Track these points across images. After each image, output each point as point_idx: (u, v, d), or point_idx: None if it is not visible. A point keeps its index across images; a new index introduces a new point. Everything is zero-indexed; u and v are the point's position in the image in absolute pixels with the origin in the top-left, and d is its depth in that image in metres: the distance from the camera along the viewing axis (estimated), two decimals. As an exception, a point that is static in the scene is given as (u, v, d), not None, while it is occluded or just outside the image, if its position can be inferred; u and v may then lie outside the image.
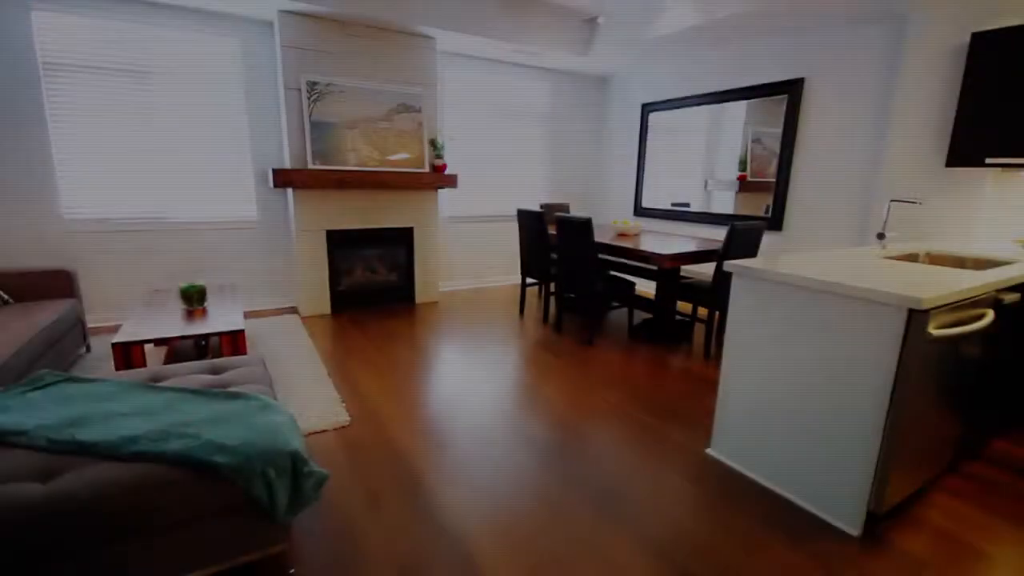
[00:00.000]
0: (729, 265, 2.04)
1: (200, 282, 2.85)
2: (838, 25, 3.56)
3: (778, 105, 4.11)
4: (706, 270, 4.58)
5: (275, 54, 3.99)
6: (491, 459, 2.19)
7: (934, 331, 1.57)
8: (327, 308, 4.32)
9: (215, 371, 1.98)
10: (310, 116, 3.85)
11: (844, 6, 3.23)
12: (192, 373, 1.94)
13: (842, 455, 1.76)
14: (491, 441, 2.34)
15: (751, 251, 3.33)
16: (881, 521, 1.82)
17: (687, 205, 5.14)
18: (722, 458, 2.19)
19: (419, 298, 4.74)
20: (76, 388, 1.72)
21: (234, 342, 2.52)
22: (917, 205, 3.00)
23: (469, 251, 5.37)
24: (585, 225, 3.39)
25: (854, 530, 1.76)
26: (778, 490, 1.98)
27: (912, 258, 2.60)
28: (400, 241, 4.56)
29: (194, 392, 1.72)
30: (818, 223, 3.84)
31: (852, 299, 1.66)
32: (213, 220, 4.05)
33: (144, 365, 2.36)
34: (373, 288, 4.56)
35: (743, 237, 3.18)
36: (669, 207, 5.27)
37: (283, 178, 3.73)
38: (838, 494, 1.79)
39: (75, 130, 3.52)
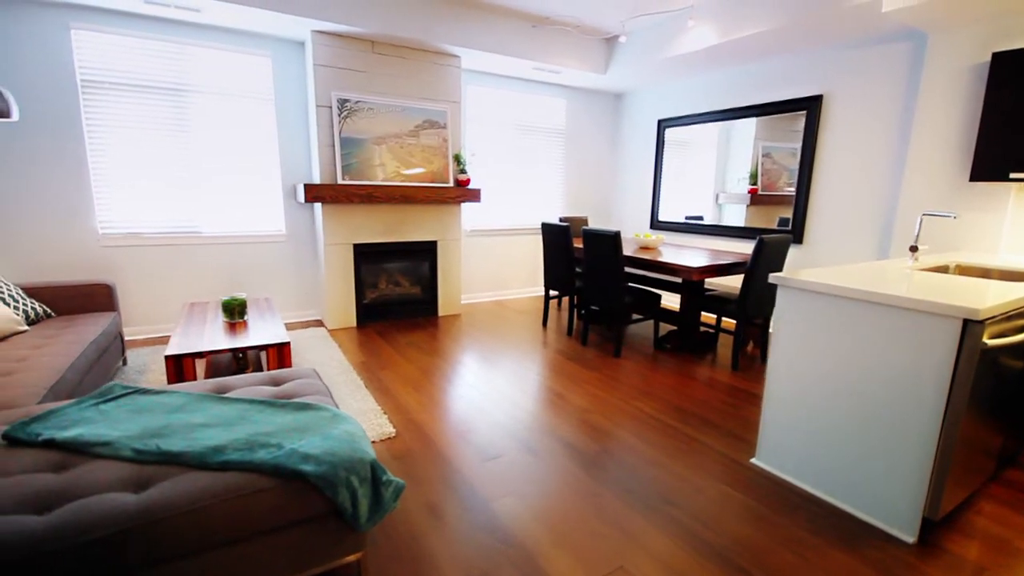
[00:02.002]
0: (775, 277, 2.09)
1: (241, 295, 2.89)
2: (857, 44, 3.66)
3: (790, 121, 4.22)
4: (726, 282, 4.65)
5: (305, 72, 4.09)
6: (538, 468, 2.22)
7: (988, 341, 1.62)
8: (353, 321, 4.35)
9: (275, 383, 2.01)
10: (340, 132, 3.92)
11: (863, 26, 3.34)
12: (253, 384, 1.97)
13: (896, 463, 1.80)
14: (535, 451, 2.37)
15: (778, 264, 3.39)
16: (936, 528, 1.85)
17: (700, 218, 5.23)
18: (768, 468, 2.22)
19: (442, 311, 4.78)
20: (148, 400, 1.75)
21: (280, 354, 2.55)
22: (950, 219, 3.08)
23: (489, 264, 5.42)
24: (614, 239, 3.45)
25: (910, 537, 1.79)
26: (828, 499, 2.01)
27: (943, 270, 2.66)
28: (424, 254, 4.62)
29: (263, 403, 1.75)
30: (839, 236, 3.91)
31: (906, 310, 1.71)
32: (242, 234, 4.10)
33: (195, 377, 2.39)
34: (397, 301, 4.60)
35: (771, 250, 3.24)
36: (683, 220, 5.36)
37: (314, 193, 3.79)
38: (892, 501, 1.82)
39: (110, 146, 3.59)
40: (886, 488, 1.84)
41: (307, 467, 1.39)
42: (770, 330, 4.27)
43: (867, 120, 3.67)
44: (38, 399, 1.90)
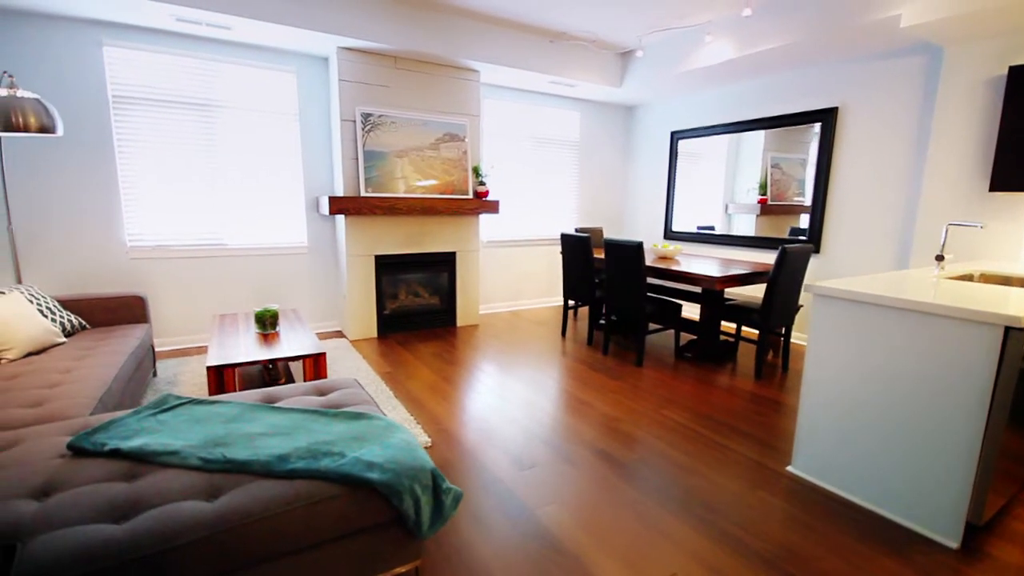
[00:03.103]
0: (811, 286, 2.13)
1: (273, 307, 2.92)
2: (872, 58, 3.74)
3: (799, 132, 4.31)
4: (743, 291, 4.68)
5: (328, 87, 4.17)
6: (576, 477, 2.24)
7: (1030, 348, 1.66)
8: (374, 332, 4.38)
9: (320, 392, 2.04)
10: (364, 146, 3.98)
11: (879, 41, 3.41)
12: (300, 395, 2.00)
13: (939, 469, 1.82)
14: (570, 459, 2.39)
15: (800, 274, 3.43)
16: (978, 533, 1.87)
17: (712, 228, 5.30)
18: (805, 476, 2.24)
19: (460, 321, 4.81)
20: (203, 409, 1.78)
21: (316, 365, 2.58)
22: (967, 228, 3.13)
23: (505, 275, 5.47)
24: (637, 250, 3.49)
25: (953, 542, 1.81)
26: (868, 505, 2.03)
27: (967, 278, 2.70)
28: (443, 265, 4.66)
29: (315, 412, 1.78)
30: (857, 246, 3.96)
31: (947, 318, 1.75)
32: (266, 246, 4.15)
33: (235, 388, 2.42)
34: (416, 312, 4.64)
35: (793, 260, 3.29)
36: (696, 230, 5.43)
37: (338, 205, 3.84)
38: (934, 507, 1.85)
39: (139, 160, 3.64)
40: (928, 494, 1.86)
41: (373, 475, 1.41)
42: (791, 339, 4.30)
43: (883, 131, 3.74)
44: (90, 410, 1.93)
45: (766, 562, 1.73)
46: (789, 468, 2.32)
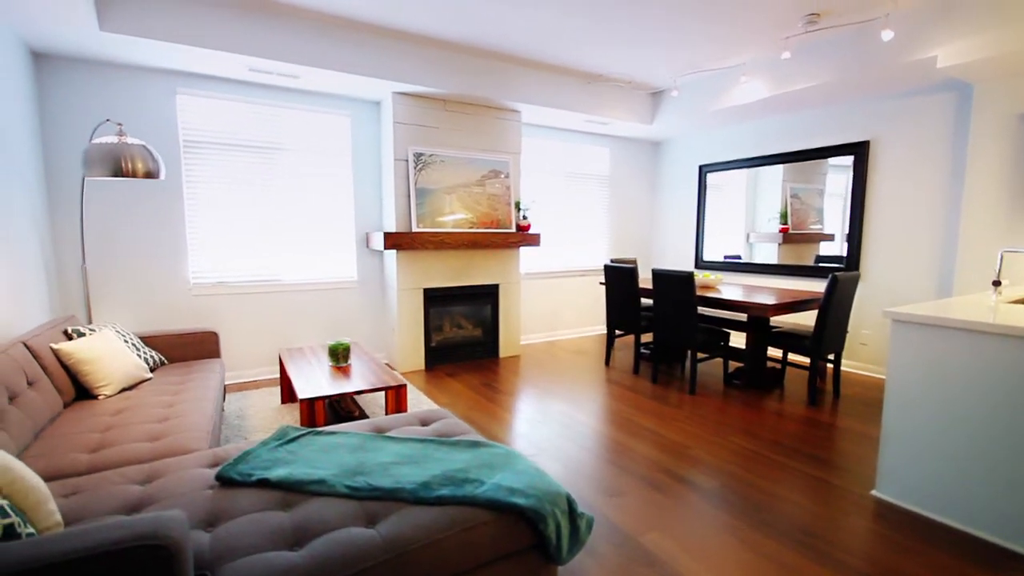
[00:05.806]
0: (889, 312, 2.23)
1: (345, 340, 3.00)
2: (902, 95, 3.95)
3: (818, 164, 4.52)
4: (787, 319, 4.77)
5: (379, 129, 4.36)
6: (666, 503, 2.27)
7: (1123, 368, 1.74)
8: (422, 364, 4.44)
9: (423, 423, 2.10)
10: (415, 183, 4.14)
11: (911, 79, 3.62)
12: (405, 424, 2.06)
13: (1037, 488, 1.88)
14: (656, 486, 2.43)
15: (848, 301, 3.53)
16: (1081, 553, 1.91)
17: (738, 257, 5.45)
18: (892, 499, 2.28)
19: (503, 352, 4.88)
20: (325, 440, 1.84)
21: (397, 396, 2.65)
22: (1014, 255, 3.26)
23: (542, 306, 5.56)
24: (688, 281, 3.60)
25: (1057, 563, 1.85)
26: (963, 527, 2.07)
27: (1022, 302, 2.80)
28: (486, 297, 4.76)
29: (433, 442, 1.84)
30: (896, 273, 4.08)
31: (1036, 341, 1.84)
32: (319, 281, 4.26)
33: (324, 419, 2.47)
34: (461, 343, 4.71)
35: (844, 288, 3.39)
36: (723, 259, 5.58)
37: (393, 241, 3.97)
38: (1035, 527, 1.89)
39: (204, 200, 3.78)
40: (1027, 514, 1.90)
41: (518, 500, 1.47)
42: (841, 366, 4.35)
43: (916, 163, 3.91)
44: (207, 443, 1.98)
45: (880, 584, 1.76)
46: (874, 492, 2.35)
